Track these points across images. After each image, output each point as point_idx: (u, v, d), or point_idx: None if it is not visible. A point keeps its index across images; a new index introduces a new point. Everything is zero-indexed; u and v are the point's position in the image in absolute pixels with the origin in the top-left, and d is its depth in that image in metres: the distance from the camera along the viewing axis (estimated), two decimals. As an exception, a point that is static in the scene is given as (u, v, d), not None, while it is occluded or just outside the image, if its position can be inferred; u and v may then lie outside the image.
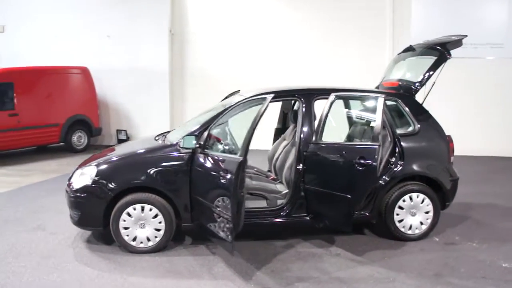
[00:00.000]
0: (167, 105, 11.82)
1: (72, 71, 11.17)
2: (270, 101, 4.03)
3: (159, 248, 4.33)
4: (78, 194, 4.32)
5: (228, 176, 3.61)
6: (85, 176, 4.34)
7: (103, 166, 4.36)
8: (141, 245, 4.32)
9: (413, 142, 4.60)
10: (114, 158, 4.46)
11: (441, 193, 4.67)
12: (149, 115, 11.89)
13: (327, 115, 4.25)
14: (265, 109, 3.76)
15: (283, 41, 11.10)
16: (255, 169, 5.44)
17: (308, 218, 4.44)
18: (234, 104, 4.44)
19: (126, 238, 4.30)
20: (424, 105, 4.83)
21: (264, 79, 10.77)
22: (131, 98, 11.97)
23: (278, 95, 4.59)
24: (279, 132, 5.95)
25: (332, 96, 4.34)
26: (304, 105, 4.55)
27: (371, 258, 4.20)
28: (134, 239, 4.31)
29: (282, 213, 4.45)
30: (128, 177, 4.28)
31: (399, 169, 4.53)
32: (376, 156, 3.81)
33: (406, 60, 5.24)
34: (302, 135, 4.42)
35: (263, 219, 4.46)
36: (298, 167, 4.37)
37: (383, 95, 4.20)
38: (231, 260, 4.16)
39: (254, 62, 11.27)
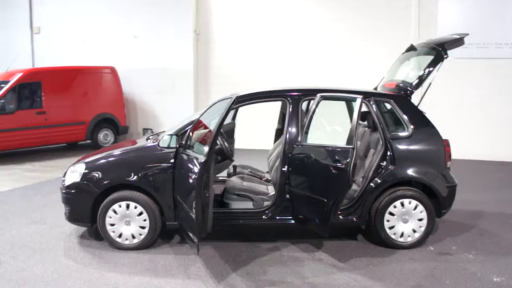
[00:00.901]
0: (192, 104, 12.03)
1: (99, 70, 11.60)
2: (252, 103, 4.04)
3: (144, 246, 4.43)
4: (68, 190, 4.50)
5: (193, 176, 3.64)
6: (75, 173, 4.51)
7: (91, 164, 4.51)
8: (126, 242, 4.44)
9: (406, 146, 4.45)
10: (102, 157, 4.61)
11: (436, 200, 4.48)
12: (175, 114, 12.12)
13: (312, 116, 4.19)
14: (228, 110, 3.71)
15: (308, 40, 11.01)
16: (248, 170, 5.44)
17: (293, 221, 4.40)
18: (211, 105, 4.50)
19: (112, 234, 4.43)
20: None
21: (289, 78, 10.76)
22: (157, 97, 12.29)
23: (263, 95, 4.58)
24: (279, 133, 5.92)
25: (318, 97, 4.28)
26: (291, 105, 4.51)
27: (354, 265, 4.10)
28: (120, 236, 4.43)
29: (265, 216, 4.43)
30: (113, 175, 4.41)
31: (389, 173, 4.39)
32: (348, 160, 3.72)
33: (407, 60, 5.07)
34: (288, 136, 4.38)
35: (247, 220, 4.46)
36: (283, 169, 4.34)
37: (361, 96, 4.07)
38: (211, 261, 4.19)
39: (279, 61, 11.25)
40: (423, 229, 4.44)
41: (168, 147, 4.27)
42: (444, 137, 4.56)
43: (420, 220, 4.43)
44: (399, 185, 4.43)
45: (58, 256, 4.33)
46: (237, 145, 6.39)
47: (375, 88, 5.32)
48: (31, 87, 10.19)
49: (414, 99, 4.65)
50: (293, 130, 4.39)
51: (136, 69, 12.28)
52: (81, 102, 11.01)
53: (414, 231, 4.45)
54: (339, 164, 3.77)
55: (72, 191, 4.48)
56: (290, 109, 4.49)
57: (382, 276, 3.88)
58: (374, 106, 4.54)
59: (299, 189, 4.18)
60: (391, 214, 4.41)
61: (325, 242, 4.63)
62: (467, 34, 4.64)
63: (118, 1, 12.43)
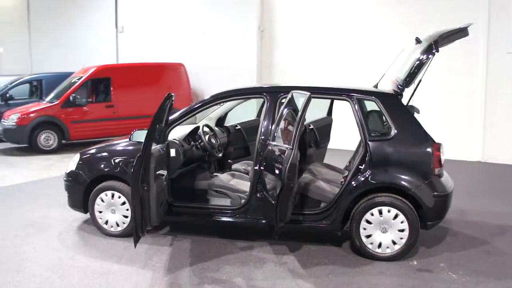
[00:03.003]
0: (255, 101, 12.22)
1: (168, 67, 12.38)
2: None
3: (127, 234, 4.71)
4: (67, 178, 5.01)
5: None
6: (73, 162, 5.01)
7: (84, 155, 4.97)
8: (112, 229, 4.80)
9: (386, 148, 4.16)
10: (96, 148, 5.03)
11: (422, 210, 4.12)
12: (238, 110, 12.46)
13: (282, 115, 4.12)
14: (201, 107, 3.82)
15: (371, 37, 10.57)
16: (243, 168, 5.48)
17: (264, 221, 4.38)
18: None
19: (99, 221, 4.84)
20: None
21: (353, 75, 10.44)
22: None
23: (240, 92, 4.61)
24: None
25: (290, 94, 4.20)
26: (268, 103, 4.48)
27: (314, 273, 3.97)
28: (106, 223, 4.82)
29: (237, 214, 4.47)
30: (100, 166, 4.80)
31: (365, 177, 4.15)
32: (286, 164, 3.60)
33: (409, 55, 4.69)
34: (262, 136, 4.36)
35: (220, 217, 4.54)
36: (255, 168, 4.35)
37: (309, 93, 3.88)
38: (178, 253, 4.38)
39: (343, 58, 10.97)
40: (404, 241, 4.12)
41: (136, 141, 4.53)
42: (438, 140, 4.18)
43: (401, 231, 4.12)
44: (379, 191, 4.17)
45: (53, 236, 4.86)
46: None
47: (376, 86, 5.01)
48: (102, 82, 11.26)
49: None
50: (267, 129, 4.36)
51: (204, 66, 12.84)
52: (149, 96, 11.82)
53: (394, 242, 4.15)
54: (279, 166, 3.69)
55: (70, 178, 4.98)
56: (267, 107, 4.47)
57: (335, 287, 3.71)
58: (356, 104, 4.32)
59: (263, 189, 4.16)
60: (368, 222, 4.17)
61: (304, 246, 4.53)
62: (471, 24, 4.18)
63: (198, 2, 13.11)
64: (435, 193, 4.10)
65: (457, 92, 9.39)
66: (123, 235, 4.76)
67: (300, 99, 3.97)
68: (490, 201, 6.34)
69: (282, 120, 4.03)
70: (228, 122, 6.49)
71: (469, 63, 9.16)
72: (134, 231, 3.74)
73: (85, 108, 10.84)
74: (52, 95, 11.15)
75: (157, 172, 4.07)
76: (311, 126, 5.79)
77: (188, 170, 4.99)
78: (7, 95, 12.01)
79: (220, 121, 6.18)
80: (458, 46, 8.93)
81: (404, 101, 5.07)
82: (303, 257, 4.29)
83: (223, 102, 4.83)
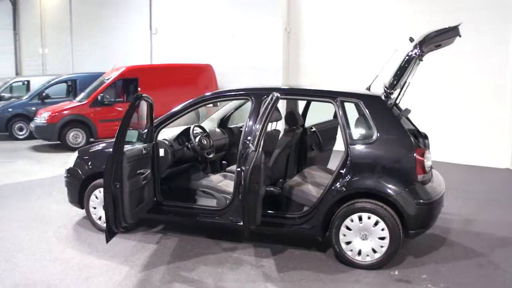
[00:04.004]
0: (281, 101, 12.23)
1: (195, 68, 12.62)
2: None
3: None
4: (66, 174, 5.24)
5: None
6: (72, 160, 5.23)
7: (82, 152, 5.18)
8: (104, 225, 4.97)
9: (367, 152, 4.06)
10: (94, 147, 5.23)
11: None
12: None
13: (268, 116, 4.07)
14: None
15: (398, 38, 10.23)
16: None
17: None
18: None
19: (94, 216, 5.03)
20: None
21: (381, 77, 10.20)
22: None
23: (227, 94, 4.66)
24: None
25: (269, 97, 4.18)
26: (253, 105, 4.49)
27: (287, 277, 3.94)
28: (100, 219, 5.00)
29: (219, 215, 4.50)
30: (93, 164, 4.99)
31: (345, 182, 4.07)
32: (247, 166, 3.58)
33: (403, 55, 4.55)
34: (244, 137, 4.37)
35: (204, 218, 4.59)
36: (237, 169, 4.36)
37: (277, 94, 3.84)
38: (160, 251, 4.48)
39: (369, 59, 10.72)
40: (384, 249, 4.00)
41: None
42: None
43: (382, 239, 4.00)
44: (361, 197, 4.07)
45: (49, 229, 5.09)
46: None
47: (368, 88, 4.90)
48: (129, 83, 11.63)
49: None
50: (250, 130, 4.36)
51: (231, 67, 12.97)
52: (175, 97, 12.05)
53: (374, 250, 4.04)
54: (242, 167, 3.69)
55: (68, 175, 5.20)
56: (252, 108, 4.48)
57: (303, 292, 3.68)
58: (339, 106, 4.24)
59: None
60: (348, 228, 4.09)
61: (288, 250, 4.50)
62: (459, 24, 4.01)
63: (219, 2, 13.29)
64: (418, 200, 3.95)
65: (486, 96, 8.96)
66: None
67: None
68: (507, 211, 6.02)
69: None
70: (234, 123, 6.55)
71: (498, 65, 8.72)
72: (106, 228, 3.85)
73: (112, 107, 11.23)
74: (82, 94, 11.65)
75: (138, 171, 4.18)
76: (313, 129, 5.74)
77: (180, 170, 5.08)
78: (44, 94, 12.65)
79: (223, 122, 6.24)
80: (487, 47, 8.70)
81: (402, 102, 5.01)
82: (282, 261, 4.27)
83: (209, 104, 4.89)
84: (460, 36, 4.17)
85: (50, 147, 11.10)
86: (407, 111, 4.47)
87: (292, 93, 4.85)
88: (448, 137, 9.25)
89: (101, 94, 11.02)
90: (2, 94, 14.04)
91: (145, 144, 4.41)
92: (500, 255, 4.48)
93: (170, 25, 14.70)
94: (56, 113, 10.75)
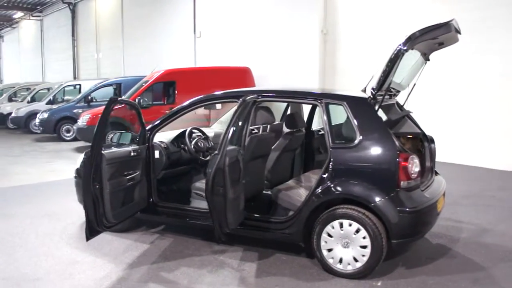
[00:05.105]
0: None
1: (233, 70, 12.78)
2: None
3: (123, 229, 5.04)
4: (75, 174, 5.52)
5: None
6: (79, 161, 5.50)
7: (88, 154, 5.42)
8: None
9: (348, 156, 3.94)
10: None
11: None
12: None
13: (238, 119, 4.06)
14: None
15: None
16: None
17: None
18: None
19: (97, 215, 5.26)
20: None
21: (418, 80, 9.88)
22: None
23: (217, 97, 4.72)
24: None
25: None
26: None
27: (262, 283, 3.90)
28: (102, 217, 5.22)
29: (205, 217, 4.54)
30: (97, 164, 5.22)
31: (325, 188, 3.97)
32: (209, 169, 3.58)
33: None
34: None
35: (193, 219, 4.66)
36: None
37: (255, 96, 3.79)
38: (151, 251, 4.61)
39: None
40: (365, 258, 3.86)
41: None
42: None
43: (363, 247, 3.87)
44: (343, 203, 3.96)
45: (57, 225, 5.40)
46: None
47: (363, 90, 4.74)
48: (167, 86, 12.01)
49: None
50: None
51: (269, 69, 13.02)
52: (212, 100, 12.36)
53: (356, 259, 3.91)
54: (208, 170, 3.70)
55: (76, 175, 5.48)
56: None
57: (272, 298, 3.64)
58: (324, 109, 4.16)
59: None
60: (329, 235, 3.99)
61: (276, 255, 4.46)
62: (452, 20, 3.80)
63: (259, 6, 13.36)
64: (402, 208, 3.77)
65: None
66: (118, 230, 5.08)
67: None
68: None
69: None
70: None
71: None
72: (86, 227, 4.01)
73: (150, 110, 11.61)
74: (123, 97, 12.17)
75: (125, 172, 4.34)
76: (322, 132, 5.66)
77: (177, 172, 5.20)
78: (89, 97, 13.38)
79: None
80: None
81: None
82: (265, 266, 4.24)
83: (202, 106, 4.97)
84: (459, 33, 3.95)
85: (91, 148, 11.69)
86: (404, 113, 4.30)
87: (277, 95, 4.81)
88: (471, 139, 9.03)
89: (139, 97, 11.45)
90: (55, 97, 15.03)
91: (136, 147, 4.56)
92: (503, 270, 4.17)
93: (213, 29, 15.03)
94: (96, 116, 11.31)
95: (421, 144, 4.87)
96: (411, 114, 4.90)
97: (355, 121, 3.99)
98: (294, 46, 12.40)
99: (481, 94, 8.99)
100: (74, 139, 12.90)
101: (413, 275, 4.05)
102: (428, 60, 4.81)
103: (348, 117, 4.11)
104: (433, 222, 4.17)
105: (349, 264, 3.94)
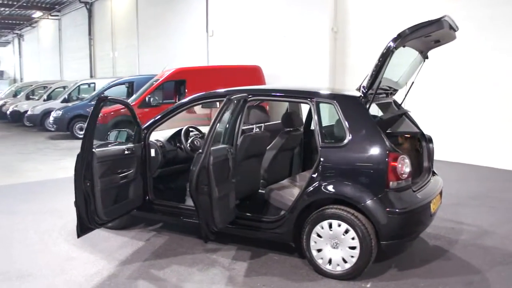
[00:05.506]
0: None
1: (243, 69, 12.78)
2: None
3: (121, 226, 5.14)
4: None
5: None
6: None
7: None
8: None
9: (336, 156, 3.91)
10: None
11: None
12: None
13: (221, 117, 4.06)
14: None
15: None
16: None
17: None
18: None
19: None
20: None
21: (430, 79, 9.72)
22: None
23: (208, 96, 4.74)
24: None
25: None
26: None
27: (250, 282, 3.89)
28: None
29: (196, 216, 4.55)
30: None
31: (314, 188, 3.95)
32: (193, 168, 3.59)
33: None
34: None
35: (185, 217, 4.69)
36: None
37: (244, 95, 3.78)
38: (144, 248, 4.66)
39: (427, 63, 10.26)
40: (354, 259, 3.83)
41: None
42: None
43: (352, 248, 3.83)
44: (333, 203, 3.94)
45: (58, 222, 5.50)
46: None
47: (358, 88, 4.68)
48: (177, 85, 12.09)
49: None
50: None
51: (279, 67, 13.00)
52: (223, 98, 12.40)
53: (345, 260, 3.88)
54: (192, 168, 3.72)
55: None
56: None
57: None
58: (314, 108, 4.14)
59: None
60: (319, 235, 3.97)
61: (268, 254, 4.46)
62: (444, 16, 3.74)
63: (270, 5, 13.36)
64: (391, 209, 3.73)
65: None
66: (116, 227, 5.15)
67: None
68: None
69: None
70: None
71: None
72: (77, 223, 4.07)
73: (160, 108, 11.71)
74: (134, 96, 12.31)
75: (118, 170, 4.39)
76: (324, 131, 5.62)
77: (174, 170, 5.23)
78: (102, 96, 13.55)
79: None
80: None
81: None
82: (256, 265, 4.24)
83: (197, 105, 5.00)
84: (455, 30, 3.90)
85: (102, 146, 11.86)
86: (401, 111, 4.24)
87: (267, 94, 4.79)
88: (482, 138, 8.91)
89: (149, 96, 11.56)
90: (70, 96, 15.28)
91: (130, 145, 4.61)
92: (499, 274, 4.08)
93: (225, 28, 15.08)
94: (106, 114, 11.46)
95: (419, 143, 4.80)
96: (409, 113, 4.84)
97: (345, 120, 3.96)
98: (305, 44, 12.35)
99: (490, 92, 8.83)
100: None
101: (404, 277, 4.00)
102: (427, 58, 4.74)
103: (339, 116, 4.08)
104: (426, 223, 4.11)
105: (338, 265, 3.91)
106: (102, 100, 4.12)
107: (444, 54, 8.73)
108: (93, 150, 4.04)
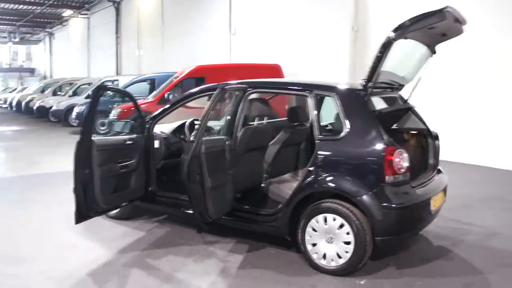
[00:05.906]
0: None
1: (262, 67, 12.78)
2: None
3: (125, 217, 5.23)
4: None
5: None
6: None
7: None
8: (113, 212, 5.28)
9: (333, 149, 3.87)
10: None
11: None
12: (328, 112, 12.32)
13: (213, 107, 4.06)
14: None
15: (468, 40, 9.41)
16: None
17: None
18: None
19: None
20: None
21: (451, 78, 9.53)
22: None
23: (206, 89, 4.77)
24: None
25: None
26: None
27: (243, 275, 3.90)
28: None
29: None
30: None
31: (309, 181, 3.92)
32: (185, 156, 3.61)
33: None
34: None
35: (184, 209, 4.71)
36: None
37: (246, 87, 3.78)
38: (146, 238, 4.73)
39: (440, 58, 10.01)
40: (348, 255, 3.77)
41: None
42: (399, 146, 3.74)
43: (347, 243, 3.78)
44: (328, 196, 3.89)
45: (64, 211, 5.48)
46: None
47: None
48: (196, 82, 12.15)
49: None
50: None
51: (300, 66, 12.92)
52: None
53: (339, 255, 3.82)
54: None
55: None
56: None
57: (247, 289, 3.63)
58: (313, 100, 4.10)
59: None
60: (314, 229, 3.93)
61: (266, 248, 4.45)
62: (446, 7, 3.64)
63: (291, 3, 13.32)
64: (387, 204, 3.65)
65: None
66: (120, 217, 5.24)
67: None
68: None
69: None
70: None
71: None
72: (75, 210, 4.14)
73: (178, 105, 11.85)
74: (154, 92, 12.47)
75: (119, 160, 4.45)
76: (329, 127, 5.57)
77: (177, 162, 5.26)
78: (123, 92, 13.79)
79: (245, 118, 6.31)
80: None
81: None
82: (251, 258, 4.24)
83: (197, 98, 5.03)
84: (461, 23, 3.81)
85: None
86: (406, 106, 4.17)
87: (267, 87, 4.78)
88: (499, 140, 8.63)
89: (168, 93, 11.69)
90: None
91: (132, 135, 4.67)
92: (501, 275, 3.96)
93: (247, 27, 15.13)
94: (126, 110, 11.66)
95: (425, 140, 4.70)
96: (414, 108, 4.74)
97: (343, 113, 3.91)
98: (325, 43, 12.25)
99: (503, 91, 8.57)
100: (109, 132, 13.33)
101: (401, 275, 3.92)
102: (435, 52, 4.63)
103: (337, 110, 4.03)
104: (425, 220, 4.02)
105: (332, 260, 3.86)
106: (100, 88, 4.20)
107: (457, 51, 8.59)
108: (92, 138, 4.11)
